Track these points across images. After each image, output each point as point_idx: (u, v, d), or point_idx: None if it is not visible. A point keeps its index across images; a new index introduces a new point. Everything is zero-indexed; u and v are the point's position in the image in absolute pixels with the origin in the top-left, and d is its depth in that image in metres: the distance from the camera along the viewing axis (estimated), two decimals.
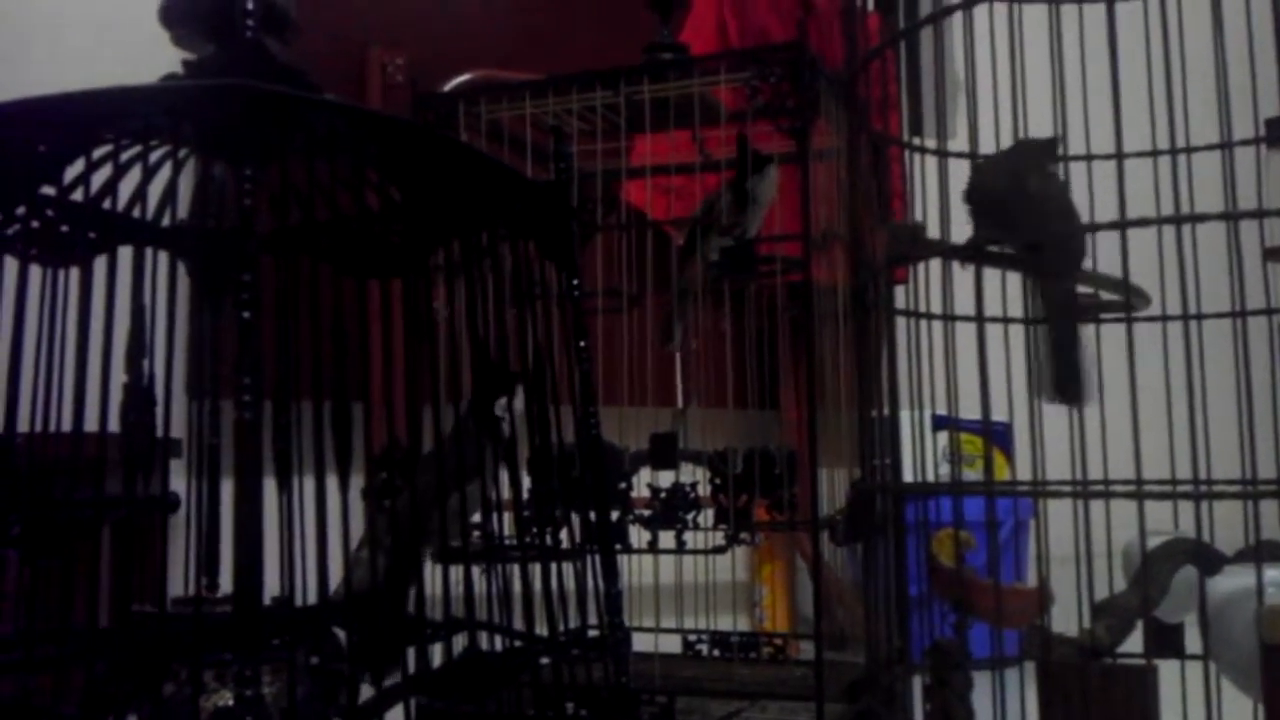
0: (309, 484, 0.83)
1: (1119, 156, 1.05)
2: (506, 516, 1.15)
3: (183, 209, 0.96)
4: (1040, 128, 1.14)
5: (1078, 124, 1.20)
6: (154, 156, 0.84)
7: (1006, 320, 1.14)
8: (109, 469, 0.94)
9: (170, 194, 0.85)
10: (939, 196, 0.97)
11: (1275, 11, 0.97)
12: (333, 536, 0.81)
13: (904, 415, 1.21)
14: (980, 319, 1.08)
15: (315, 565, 0.78)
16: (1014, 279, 1.04)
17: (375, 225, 0.95)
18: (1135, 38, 1.15)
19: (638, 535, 1.45)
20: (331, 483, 0.82)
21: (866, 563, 1.11)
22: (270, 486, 0.78)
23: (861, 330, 0.98)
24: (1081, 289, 1.12)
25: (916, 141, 1.01)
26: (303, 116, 0.70)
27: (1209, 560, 1.01)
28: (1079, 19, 1.21)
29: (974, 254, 0.92)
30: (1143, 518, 1.02)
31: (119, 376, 0.94)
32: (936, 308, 1.14)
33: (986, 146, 1.11)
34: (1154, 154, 1.19)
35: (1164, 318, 1.14)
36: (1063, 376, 1.01)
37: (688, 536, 1.44)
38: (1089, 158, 1.19)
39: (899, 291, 1.13)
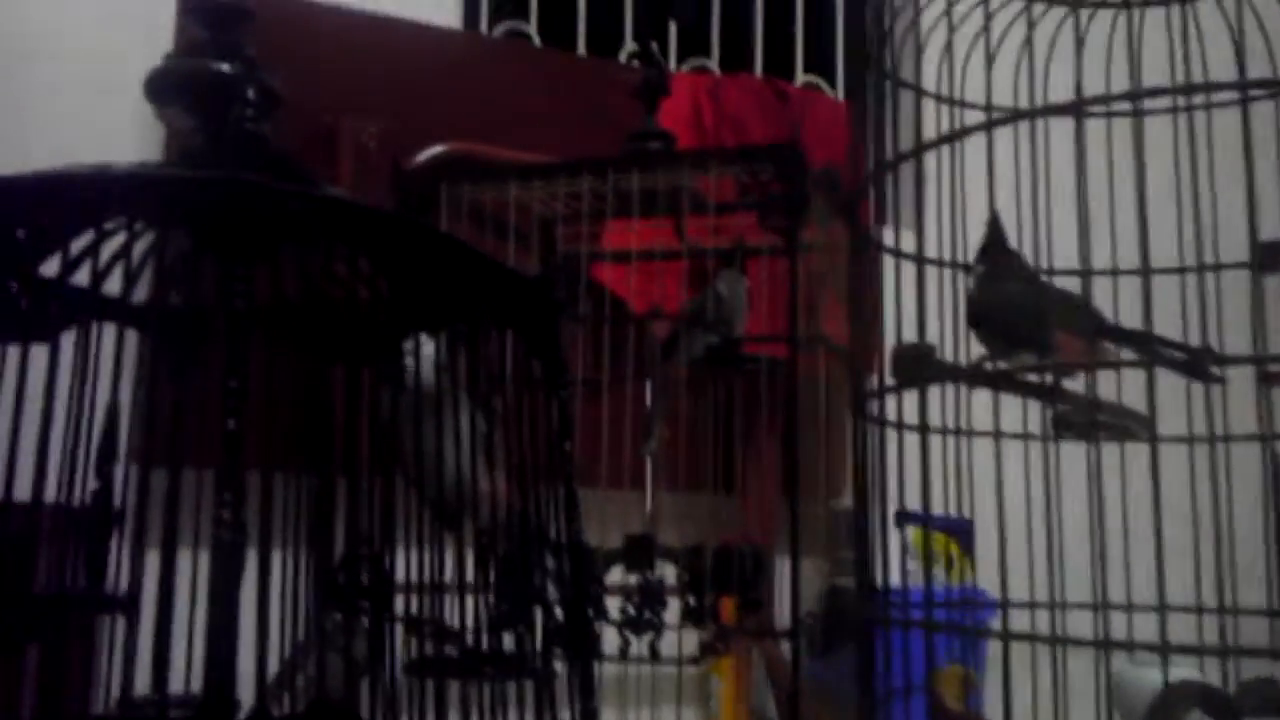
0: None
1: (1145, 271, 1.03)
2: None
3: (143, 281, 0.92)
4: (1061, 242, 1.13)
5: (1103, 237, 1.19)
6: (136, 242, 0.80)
7: (997, 435, 1.12)
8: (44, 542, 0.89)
9: (159, 277, 0.81)
10: (923, 306, 0.95)
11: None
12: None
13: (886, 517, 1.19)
14: (957, 431, 1.05)
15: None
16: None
17: (359, 314, 0.91)
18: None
19: (605, 635, 1.40)
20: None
21: (861, 676, 1.07)
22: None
23: (861, 437, 0.96)
24: (1072, 408, 1.10)
25: (930, 255, 0.99)
26: (296, 212, 0.67)
27: (1219, 706, 0.98)
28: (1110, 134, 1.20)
29: (985, 377, 0.90)
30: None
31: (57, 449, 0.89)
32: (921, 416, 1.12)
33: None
34: (1127, 273, 1.19)
35: (1191, 439, 1.12)
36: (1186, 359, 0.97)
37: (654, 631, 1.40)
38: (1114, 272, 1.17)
39: (894, 403, 1.10)
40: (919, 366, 0.88)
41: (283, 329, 0.89)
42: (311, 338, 0.91)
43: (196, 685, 0.86)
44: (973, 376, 0.89)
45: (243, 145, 0.72)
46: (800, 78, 3.12)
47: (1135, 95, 0.93)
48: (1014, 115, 0.92)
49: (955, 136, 0.91)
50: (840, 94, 3.16)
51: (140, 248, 0.85)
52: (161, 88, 0.86)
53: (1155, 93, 0.92)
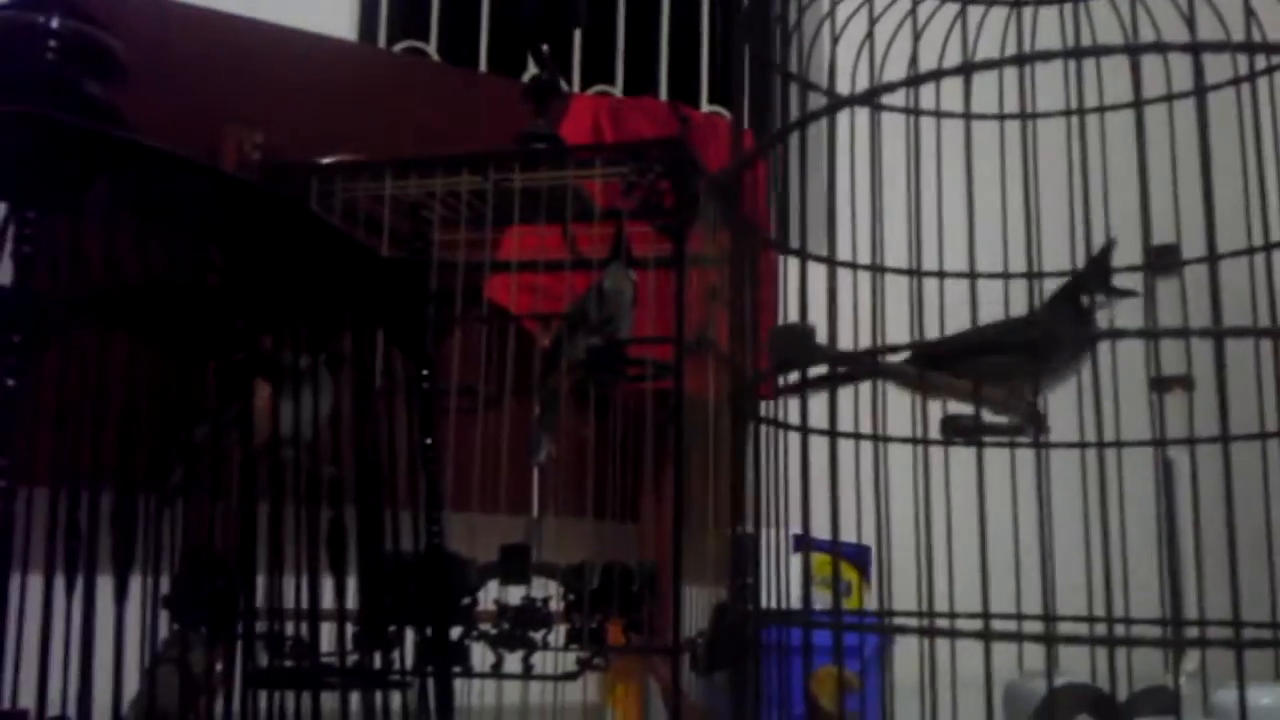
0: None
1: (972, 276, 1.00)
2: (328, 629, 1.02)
3: None
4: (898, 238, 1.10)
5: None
6: None
7: (880, 438, 1.08)
8: None
9: None
10: (827, 306, 0.91)
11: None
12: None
13: (770, 534, 1.13)
14: (838, 434, 1.01)
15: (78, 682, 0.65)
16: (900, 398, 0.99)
17: (194, 298, 0.83)
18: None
19: (481, 655, 1.33)
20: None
21: (735, 692, 1.02)
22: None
23: (739, 443, 0.91)
24: (961, 408, 1.07)
25: (813, 251, 0.95)
26: (108, 158, 0.60)
27: (1108, 710, 0.94)
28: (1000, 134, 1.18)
29: (864, 363, 0.86)
30: (990, 656, 0.96)
31: None
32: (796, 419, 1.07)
33: (846, 254, 1.06)
34: (1017, 276, 1.16)
35: (1081, 444, 1.09)
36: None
37: (536, 658, 1.33)
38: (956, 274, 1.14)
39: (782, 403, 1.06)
40: (797, 347, 0.83)
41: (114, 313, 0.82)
42: (133, 320, 0.83)
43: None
44: (851, 358, 0.85)
45: (36, 81, 0.65)
46: (705, 107, 3.11)
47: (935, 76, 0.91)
48: (845, 100, 0.89)
49: (803, 121, 0.88)
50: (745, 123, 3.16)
51: None
52: None
53: (961, 70, 0.90)
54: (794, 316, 0.96)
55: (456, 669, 1.26)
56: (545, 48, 1.44)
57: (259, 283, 0.77)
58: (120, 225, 0.70)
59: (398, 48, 2.75)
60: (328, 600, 0.93)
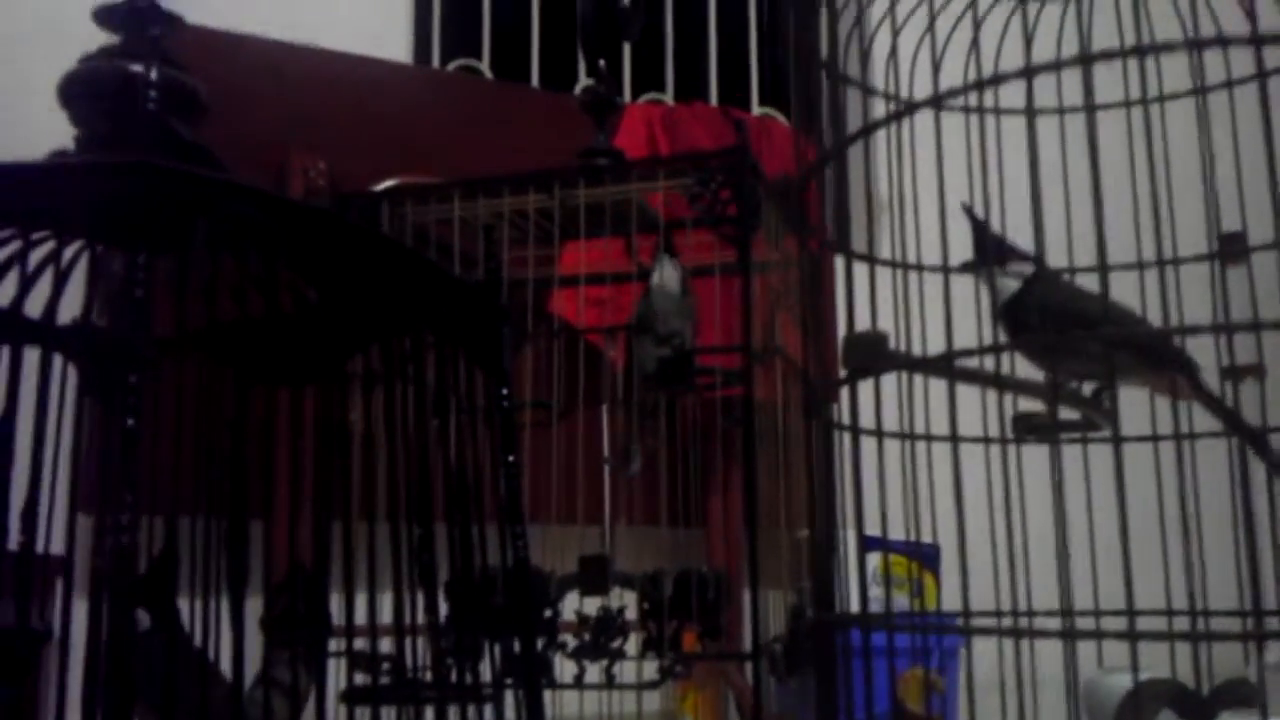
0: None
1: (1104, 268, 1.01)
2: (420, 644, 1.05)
3: (77, 302, 0.87)
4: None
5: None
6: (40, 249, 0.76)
7: (955, 439, 1.09)
8: None
9: (56, 288, 0.76)
10: (896, 311, 0.92)
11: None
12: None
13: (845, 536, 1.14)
14: (912, 436, 1.02)
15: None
16: (970, 397, 0.99)
17: (288, 327, 0.87)
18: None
19: (562, 666, 1.35)
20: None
21: (820, 695, 1.03)
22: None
23: (813, 448, 0.92)
24: (1033, 406, 1.07)
25: (884, 255, 0.97)
26: (209, 200, 0.63)
27: (1191, 705, 0.95)
28: (1060, 128, 1.18)
29: (939, 367, 0.87)
30: (1087, 653, 0.96)
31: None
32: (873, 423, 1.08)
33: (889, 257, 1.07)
34: (1085, 270, 1.16)
35: (1155, 437, 1.09)
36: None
37: (615, 668, 1.35)
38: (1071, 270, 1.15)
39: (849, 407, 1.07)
40: (872, 354, 0.85)
41: (215, 347, 0.85)
42: (247, 356, 0.87)
43: None
44: (925, 364, 0.86)
45: (139, 130, 0.68)
46: (756, 109, 3.12)
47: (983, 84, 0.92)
48: (906, 108, 0.90)
49: (868, 129, 0.89)
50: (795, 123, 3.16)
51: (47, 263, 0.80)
52: (72, 91, 0.83)
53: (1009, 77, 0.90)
54: (861, 322, 0.97)
55: (544, 680, 1.28)
56: (602, 63, 1.46)
57: (351, 309, 0.80)
58: (218, 262, 0.73)
59: (451, 66, 2.79)
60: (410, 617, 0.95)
